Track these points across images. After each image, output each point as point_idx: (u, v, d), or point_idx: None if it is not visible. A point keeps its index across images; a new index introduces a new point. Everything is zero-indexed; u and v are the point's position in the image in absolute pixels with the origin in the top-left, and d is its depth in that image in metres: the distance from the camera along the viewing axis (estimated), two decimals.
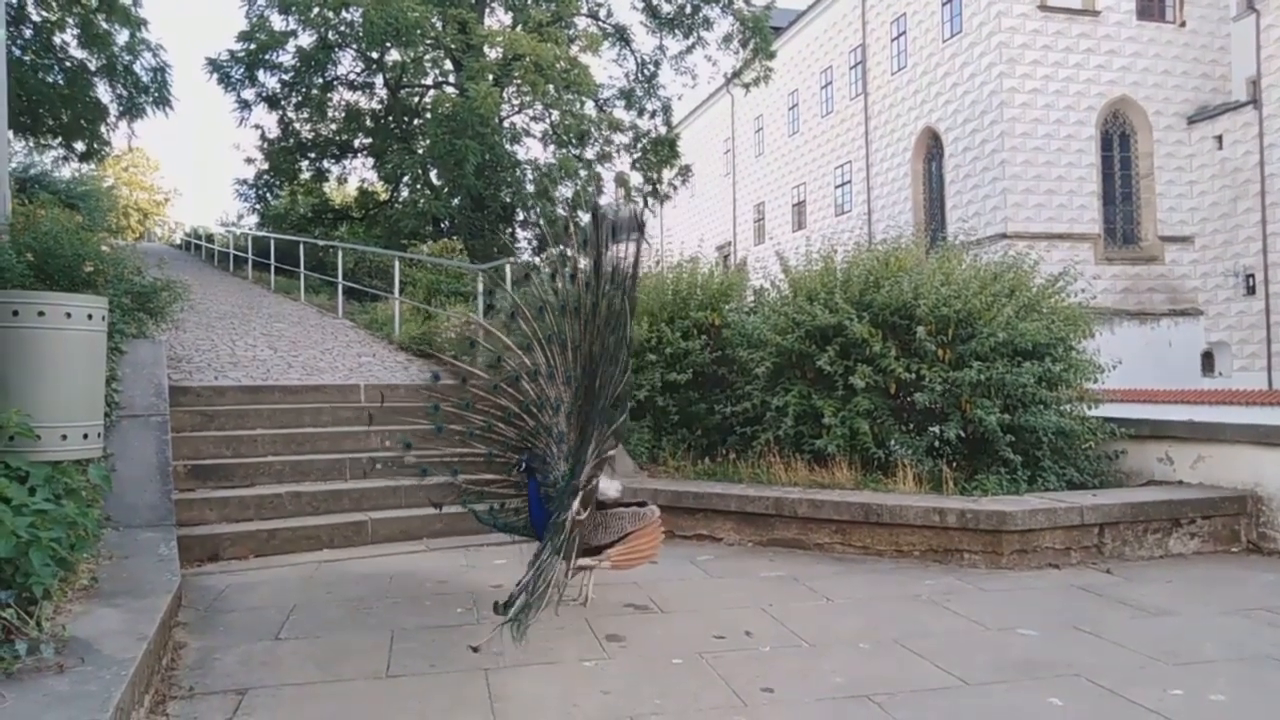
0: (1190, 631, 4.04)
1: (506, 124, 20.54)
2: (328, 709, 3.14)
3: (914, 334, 6.31)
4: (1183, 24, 24.94)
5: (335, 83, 21.39)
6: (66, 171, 17.67)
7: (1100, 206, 24.30)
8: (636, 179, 23.52)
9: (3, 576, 2.94)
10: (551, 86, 18.96)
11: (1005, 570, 5.18)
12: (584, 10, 21.80)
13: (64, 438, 3.83)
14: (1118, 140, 24.84)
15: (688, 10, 22.27)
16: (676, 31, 22.56)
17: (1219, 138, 24.22)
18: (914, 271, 6.71)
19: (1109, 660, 3.63)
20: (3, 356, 3.72)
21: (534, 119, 21.45)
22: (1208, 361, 24.36)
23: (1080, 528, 5.38)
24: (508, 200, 19.84)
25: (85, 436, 3.94)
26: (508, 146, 19.69)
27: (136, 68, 15.75)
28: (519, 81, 19.31)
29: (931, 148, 27.35)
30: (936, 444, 6.50)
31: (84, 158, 17.01)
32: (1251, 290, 23.49)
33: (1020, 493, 5.93)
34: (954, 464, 6.33)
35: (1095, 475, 6.44)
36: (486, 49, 19.38)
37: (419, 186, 20.54)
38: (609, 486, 4.48)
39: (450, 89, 20.37)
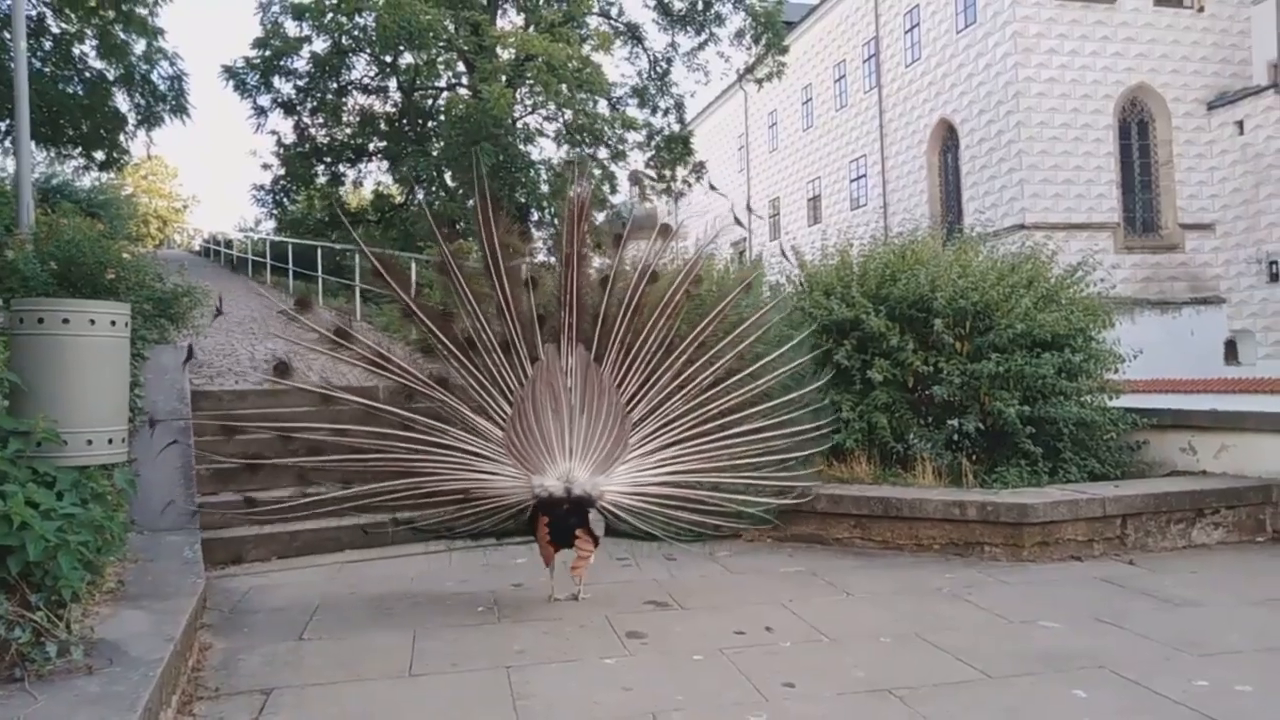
0: (1215, 622, 4.01)
1: (520, 124, 20.59)
2: (352, 708, 3.17)
3: (931, 327, 6.27)
4: (1201, 9, 24.63)
5: (349, 87, 21.55)
6: (87, 180, 17.84)
7: (1119, 195, 24.05)
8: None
9: (32, 580, 2.98)
10: (564, 86, 19.00)
11: (1027, 563, 5.14)
12: (596, 9, 21.83)
13: (89, 443, 3.87)
14: (1136, 128, 24.58)
15: (699, 7, 22.27)
16: (688, 28, 22.57)
17: (1240, 123, 23.90)
18: (931, 264, 6.67)
19: (1133, 652, 3.60)
20: (29, 363, 3.77)
21: (547, 119, 21.51)
22: (1230, 350, 24.05)
23: (1102, 519, 5.33)
24: (522, 201, 19.91)
25: (110, 441, 3.99)
26: (521, 147, 19.74)
27: (154, 77, 15.91)
28: (532, 82, 19.36)
29: (947, 139, 27.17)
30: (955, 437, 6.45)
31: (104, 166, 17.18)
32: (1275, 277, 23.16)
33: (1041, 485, 5.88)
34: (973, 457, 6.28)
35: (1117, 466, 6.37)
36: (499, 50, 19.44)
37: (434, 189, 20.65)
38: (542, 481, 4.24)
39: (464, 91, 20.45)
